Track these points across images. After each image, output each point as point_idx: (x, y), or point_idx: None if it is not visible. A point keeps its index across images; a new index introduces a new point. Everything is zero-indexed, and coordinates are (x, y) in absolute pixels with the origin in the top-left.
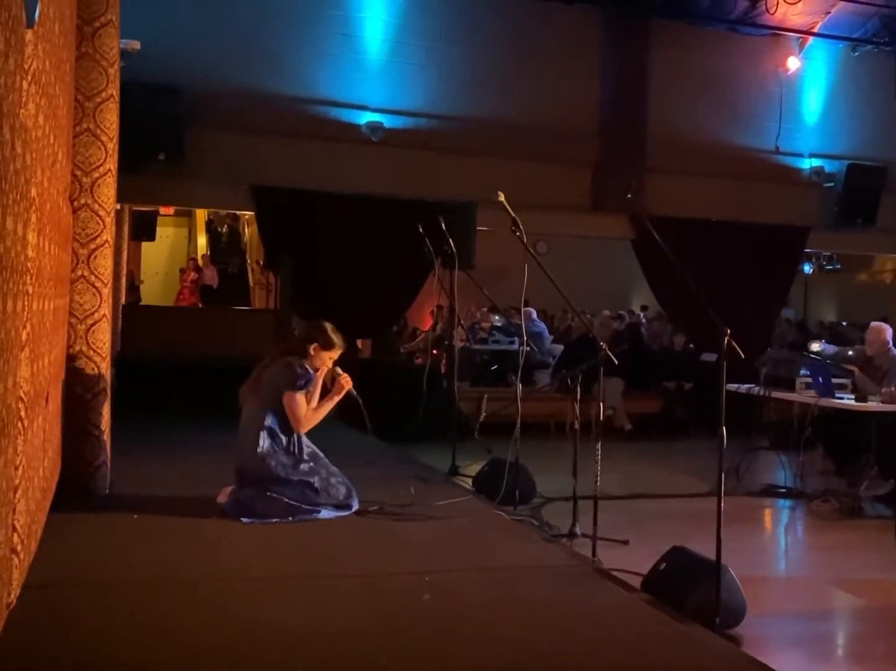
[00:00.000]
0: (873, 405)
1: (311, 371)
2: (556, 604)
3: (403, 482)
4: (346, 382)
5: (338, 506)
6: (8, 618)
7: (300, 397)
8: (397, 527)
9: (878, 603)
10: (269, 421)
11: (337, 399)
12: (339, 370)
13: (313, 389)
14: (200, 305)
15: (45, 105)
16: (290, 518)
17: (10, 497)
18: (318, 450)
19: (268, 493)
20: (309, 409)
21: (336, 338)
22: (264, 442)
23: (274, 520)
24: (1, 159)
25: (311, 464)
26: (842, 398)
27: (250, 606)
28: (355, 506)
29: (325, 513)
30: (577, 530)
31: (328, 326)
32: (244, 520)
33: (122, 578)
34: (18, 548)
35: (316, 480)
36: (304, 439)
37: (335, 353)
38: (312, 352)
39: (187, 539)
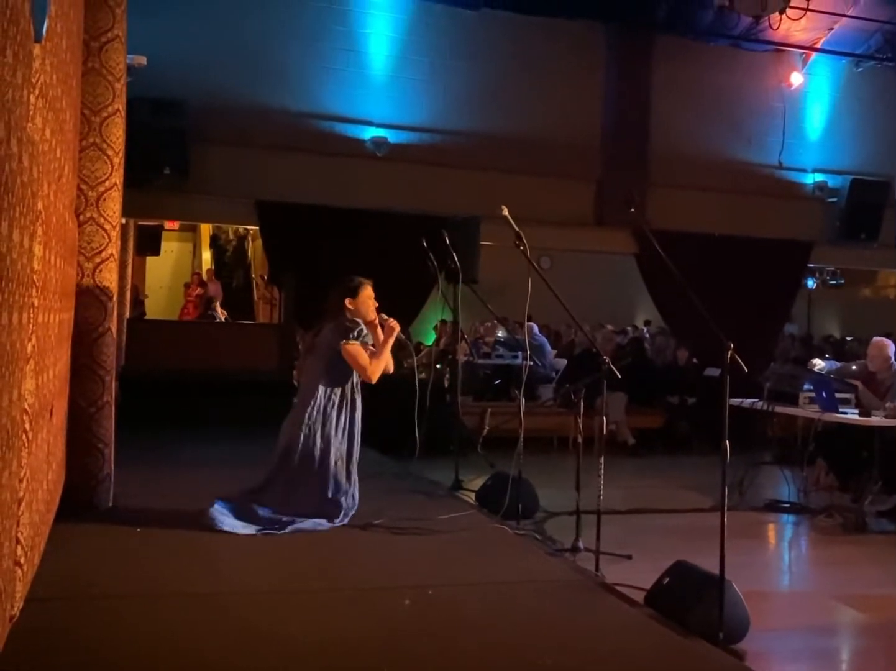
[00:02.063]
0: (876, 420)
1: (361, 323)
2: (560, 619)
3: (406, 496)
4: (395, 325)
5: (328, 514)
6: (11, 630)
7: (358, 347)
8: (400, 541)
9: (881, 618)
10: (326, 375)
11: (391, 341)
12: (384, 316)
13: (372, 341)
14: (223, 318)
15: (52, 119)
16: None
17: (14, 509)
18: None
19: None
20: (372, 358)
21: (356, 280)
22: (322, 392)
23: (255, 528)
24: (8, 172)
25: (346, 447)
26: (845, 413)
27: (253, 619)
28: (338, 521)
29: (303, 524)
30: (580, 545)
31: (343, 279)
32: (225, 528)
33: (125, 591)
34: (22, 560)
35: (339, 466)
36: (359, 403)
37: (368, 291)
38: (350, 306)
39: (190, 552)
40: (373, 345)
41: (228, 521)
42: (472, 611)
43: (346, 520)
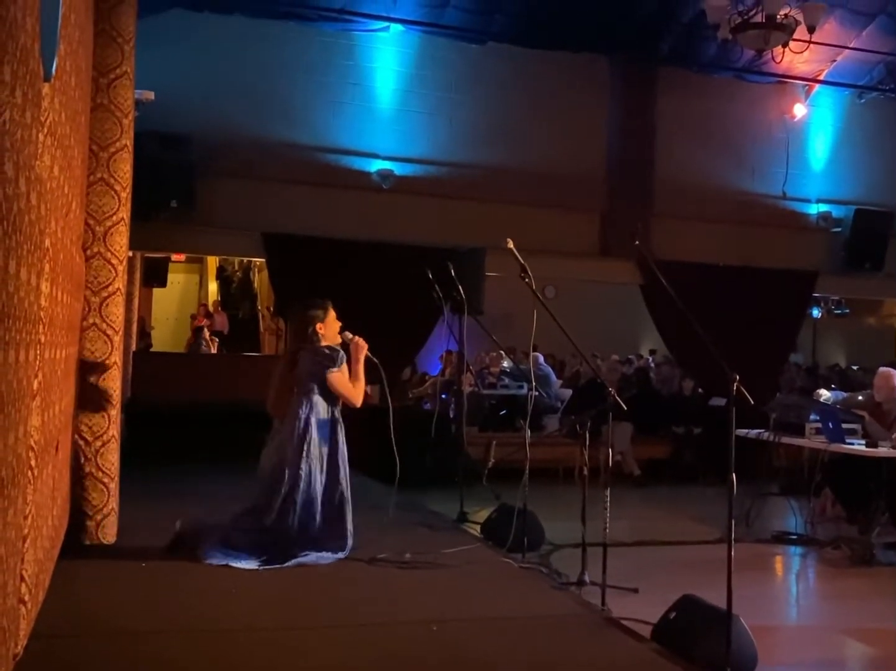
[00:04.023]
0: (884, 451)
1: (339, 348)
2: (565, 655)
3: (411, 529)
4: (363, 343)
5: (333, 547)
6: (15, 668)
7: (342, 375)
8: (405, 576)
9: (890, 652)
10: (316, 408)
11: (362, 360)
12: (349, 335)
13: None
14: (212, 348)
15: (61, 156)
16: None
17: (19, 547)
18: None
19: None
20: (352, 383)
21: (319, 302)
22: (315, 425)
23: (256, 562)
24: (17, 211)
25: (344, 475)
26: (852, 444)
27: (259, 656)
28: (342, 554)
29: (307, 559)
30: (586, 578)
31: (306, 304)
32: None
33: (130, 628)
34: (26, 598)
35: (340, 497)
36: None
37: (331, 312)
38: (321, 331)
39: (196, 587)
40: None
41: (228, 557)
42: (477, 647)
43: (349, 550)
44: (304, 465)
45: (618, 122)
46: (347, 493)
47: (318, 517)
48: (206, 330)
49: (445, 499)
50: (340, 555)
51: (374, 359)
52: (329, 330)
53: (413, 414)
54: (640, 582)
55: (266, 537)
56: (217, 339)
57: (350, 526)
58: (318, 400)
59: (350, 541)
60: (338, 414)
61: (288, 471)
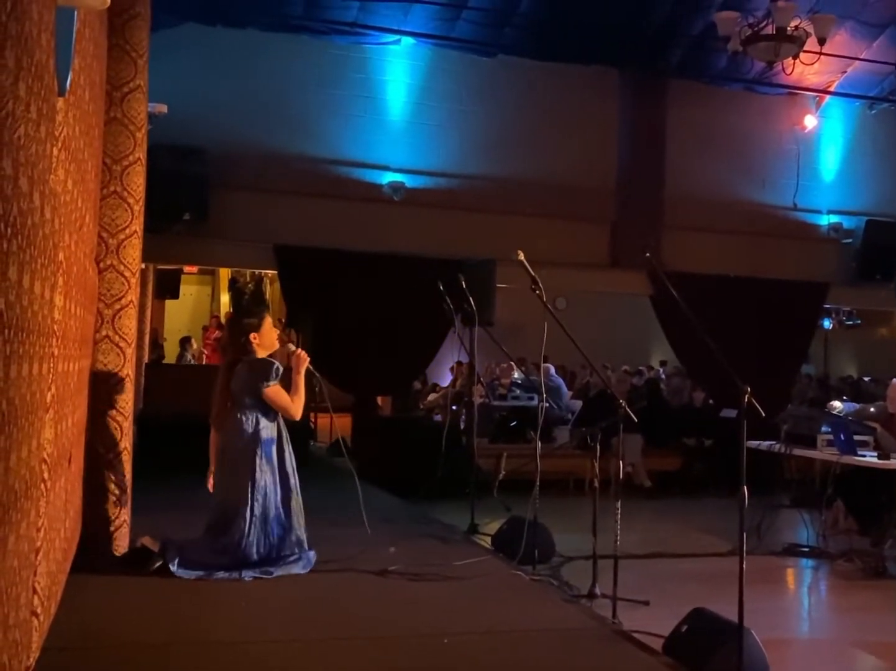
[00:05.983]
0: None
1: (275, 360)
2: (576, 668)
3: (422, 541)
4: (304, 356)
5: (289, 560)
6: None
7: (279, 388)
8: (415, 588)
9: None
10: (259, 422)
11: (303, 373)
12: (291, 347)
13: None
14: (195, 360)
15: (74, 170)
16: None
17: (32, 559)
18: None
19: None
20: (291, 395)
21: (252, 312)
22: (265, 438)
23: (200, 572)
24: (31, 225)
25: (294, 482)
26: (864, 456)
27: (269, 668)
28: (308, 566)
29: (294, 568)
30: (597, 590)
31: (241, 313)
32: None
33: (142, 640)
34: (38, 610)
35: (298, 504)
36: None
37: (266, 321)
38: (255, 341)
39: (207, 600)
40: None
41: (191, 573)
42: (487, 660)
43: (314, 562)
44: (259, 480)
45: (628, 133)
46: (300, 503)
47: (276, 529)
48: (192, 342)
49: (456, 511)
50: (307, 567)
51: (316, 374)
52: (265, 339)
53: (424, 425)
54: (651, 594)
55: (226, 555)
56: (206, 351)
57: (304, 535)
58: (262, 415)
59: (311, 552)
60: (282, 424)
61: (244, 487)
